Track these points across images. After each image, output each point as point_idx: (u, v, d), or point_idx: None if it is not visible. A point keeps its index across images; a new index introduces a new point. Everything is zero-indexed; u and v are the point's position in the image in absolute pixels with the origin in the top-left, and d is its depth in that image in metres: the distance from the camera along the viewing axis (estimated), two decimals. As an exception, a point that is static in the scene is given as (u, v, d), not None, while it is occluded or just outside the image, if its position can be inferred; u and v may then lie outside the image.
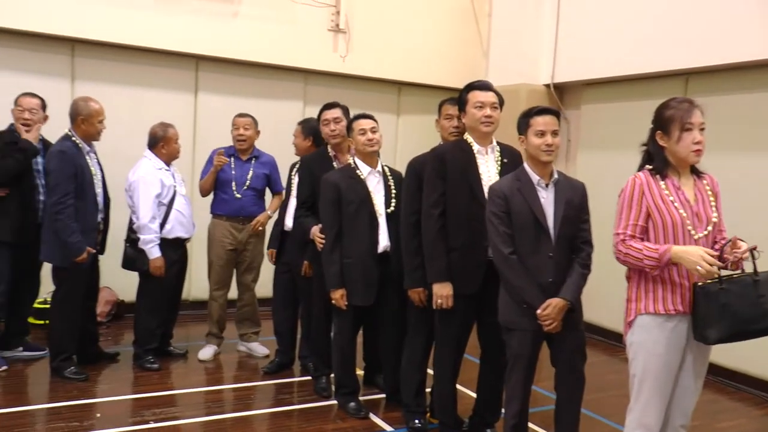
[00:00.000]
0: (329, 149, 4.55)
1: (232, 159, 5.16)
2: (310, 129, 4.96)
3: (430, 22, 7.35)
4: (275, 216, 5.24)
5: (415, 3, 7.26)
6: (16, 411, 4.05)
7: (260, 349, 5.37)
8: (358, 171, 4.12)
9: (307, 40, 6.73)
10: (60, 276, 4.57)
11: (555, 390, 3.40)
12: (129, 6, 5.89)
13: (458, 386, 3.92)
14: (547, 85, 6.84)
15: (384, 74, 7.19)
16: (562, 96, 6.92)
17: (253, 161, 5.22)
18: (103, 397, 4.37)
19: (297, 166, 4.93)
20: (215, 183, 5.14)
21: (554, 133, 3.23)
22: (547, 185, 3.27)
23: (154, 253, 4.75)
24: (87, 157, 4.58)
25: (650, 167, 2.91)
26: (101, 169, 4.75)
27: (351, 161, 4.19)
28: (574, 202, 3.26)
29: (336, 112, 4.49)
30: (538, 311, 3.17)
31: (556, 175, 3.31)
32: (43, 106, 4.80)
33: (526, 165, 3.32)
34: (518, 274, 3.21)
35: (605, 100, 6.37)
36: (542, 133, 3.21)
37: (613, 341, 6.08)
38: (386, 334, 4.28)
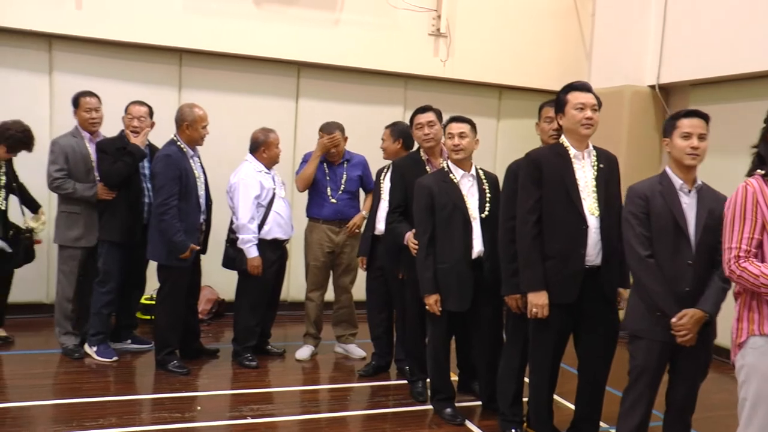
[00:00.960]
0: (421, 153, 4.53)
1: (325, 164, 5.23)
2: (399, 132, 4.96)
3: (531, 24, 7.20)
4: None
5: (516, 4, 7.13)
6: (125, 399, 4.30)
7: (357, 351, 5.42)
8: (451, 175, 4.08)
9: (408, 45, 6.75)
10: (164, 273, 4.79)
11: (666, 404, 3.24)
12: (234, 16, 6.12)
13: (555, 397, 3.79)
14: (652, 86, 6.53)
15: (484, 78, 7.11)
16: (667, 98, 6.59)
17: (345, 165, 5.27)
18: (204, 391, 4.55)
19: (387, 169, 4.94)
20: (311, 186, 5.22)
21: (701, 137, 3.09)
22: (689, 191, 3.14)
23: (252, 252, 4.89)
24: (191, 161, 4.79)
25: (762, 172, 2.69)
26: (204, 173, 4.96)
27: (444, 165, 4.16)
28: (716, 213, 3.06)
29: (430, 116, 4.47)
30: (673, 320, 3.02)
31: (699, 182, 3.17)
32: (151, 114, 5.06)
33: (668, 169, 3.19)
34: (654, 278, 3.08)
35: (714, 101, 6.00)
36: (688, 136, 3.08)
37: (723, 358, 5.70)
38: (481, 340, 4.21)
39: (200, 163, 4.94)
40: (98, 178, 4.92)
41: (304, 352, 5.34)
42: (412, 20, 6.76)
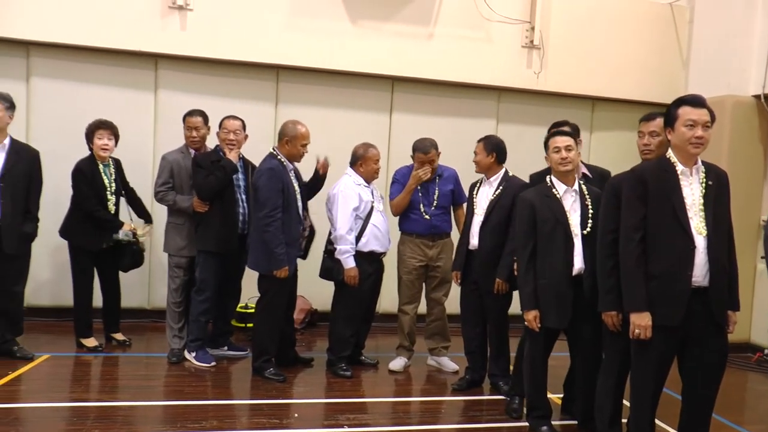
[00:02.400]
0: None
1: None
2: (492, 145, 4.92)
3: (626, 33, 7.03)
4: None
5: (610, 14, 6.98)
6: (223, 403, 4.45)
7: (450, 364, 5.40)
8: (554, 189, 4.02)
9: (501, 58, 6.72)
10: (266, 283, 4.93)
11: None
12: (330, 33, 6.29)
13: (657, 422, 3.66)
14: (757, 96, 6.23)
15: (578, 90, 6.99)
16: (775, 108, 6.28)
17: (437, 180, 5.29)
18: (299, 398, 4.64)
19: (479, 183, 4.94)
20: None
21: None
22: None
23: (348, 263, 4.98)
24: (290, 174, 4.92)
25: None
26: (301, 184, 5.08)
27: (547, 179, 4.11)
28: None
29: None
30: None
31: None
32: (244, 127, 5.23)
33: None
34: None
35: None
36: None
37: None
38: (579, 358, 4.11)
39: (298, 175, 5.07)
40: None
41: (397, 363, 5.37)
42: (506, 32, 6.73)
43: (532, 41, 6.77)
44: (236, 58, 6.17)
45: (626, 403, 3.74)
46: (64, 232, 5.33)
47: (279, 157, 4.92)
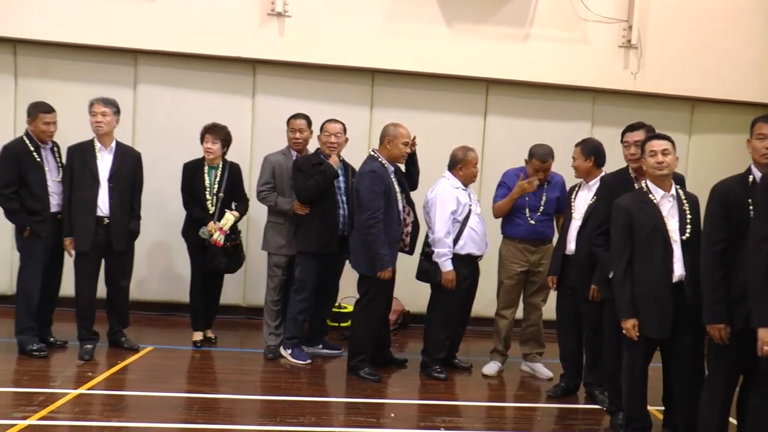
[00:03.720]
0: (630, 171, 4.37)
1: None
2: (590, 149, 4.81)
3: (728, 31, 6.71)
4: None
5: (712, 11, 6.69)
6: (320, 400, 4.52)
7: (544, 371, 5.31)
8: (650, 195, 3.88)
9: (597, 58, 6.57)
10: (367, 284, 4.98)
11: None
12: (425, 36, 6.31)
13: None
14: None
15: (677, 90, 6.73)
16: None
17: (545, 186, 5.22)
18: (395, 398, 4.66)
19: (578, 188, 4.86)
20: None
21: None
22: None
23: (446, 266, 4.97)
24: (391, 176, 4.96)
25: None
26: (401, 185, 5.09)
27: (643, 185, 3.97)
28: None
29: (640, 135, 4.29)
30: None
31: None
32: (345, 130, 5.31)
33: None
34: None
35: None
36: None
37: None
38: (681, 370, 3.94)
39: (399, 176, 5.10)
40: None
41: (491, 368, 5.32)
42: (602, 32, 6.57)
43: (629, 40, 6.58)
44: (332, 62, 6.28)
45: (732, 420, 3.57)
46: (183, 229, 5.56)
47: (380, 159, 4.97)
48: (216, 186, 5.39)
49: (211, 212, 5.36)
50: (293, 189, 5.22)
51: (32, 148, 5.03)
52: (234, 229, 5.39)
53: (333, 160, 5.12)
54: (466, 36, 6.36)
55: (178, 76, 6.35)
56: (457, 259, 5.01)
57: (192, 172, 5.39)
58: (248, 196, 5.67)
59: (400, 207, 5.01)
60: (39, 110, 5.05)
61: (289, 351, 5.30)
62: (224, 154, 5.44)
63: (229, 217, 5.28)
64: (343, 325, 5.92)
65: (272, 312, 5.42)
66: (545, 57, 6.47)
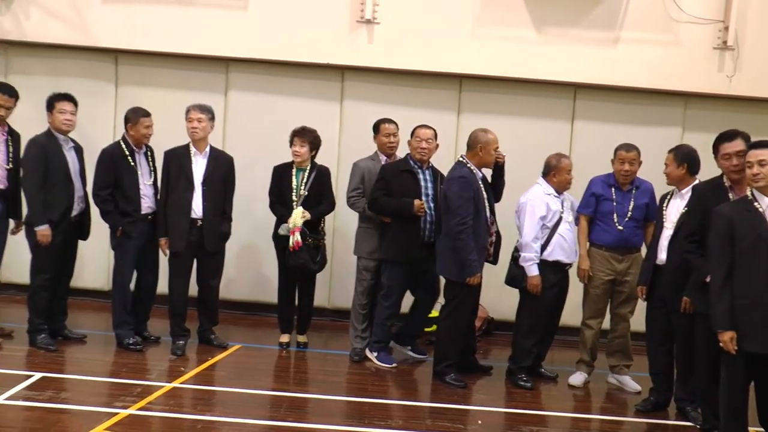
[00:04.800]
0: (724, 179, 4.22)
1: (613, 189, 5.10)
2: (683, 156, 4.67)
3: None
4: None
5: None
6: (406, 404, 4.56)
7: (631, 384, 5.17)
8: (755, 204, 3.73)
9: (690, 61, 6.33)
10: (453, 290, 4.98)
11: None
12: (514, 41, 6.26)
13: None
14: None
15: (775, 93, 6.43)
16: None
17: (633, 191, 5.10)
18: (480, 405, 4.65)
19: (670, 196, 4.73)
20: (597, 212, 5.14)
21: None
22: None
23: (532, 271, 4.93)
24: (479, 182, 4.95)
25: None
26: (488, 192, 5.07)
27: (748, 193, 3.82)
28: None
29: (739, 144, 4.12)
30: None
31: None
32: (435, 136, 5.32)
33: None
34: None
35: None
36: None
37: None
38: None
39: (486, 183, 5.08)
40: None
41: (577, 378, 5.23)
42: (696, 34, 6.33)
43: (725, 42, 6.31)
44: (421, 68, 6.31)
45: None
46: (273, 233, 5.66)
47: (468, 165, 4.97)
48: (302, 188, 5.47)
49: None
50: (370, 192, 5.28)
51: (127, 152, 5.28)
52: (316, 229, 5.45)
53: (417, 204, 5.12)
54: (554, 40, 6.28)
55: (267, 82, 6.53)
56: (544, 265, 4.96)
57: (280, 174, 5.52)
58: (335, 200, 5.71)
59: (488, 214, 5.00)
60: (139, 115, 5.30)
61: (375, 354, 5.35)
62: (313, 157, 5.53)
63: (297, 213, 5.30)
64: (427, 330, 5.92)
65: (360, 315, 5.50)
66: (635, 60, 6.30)
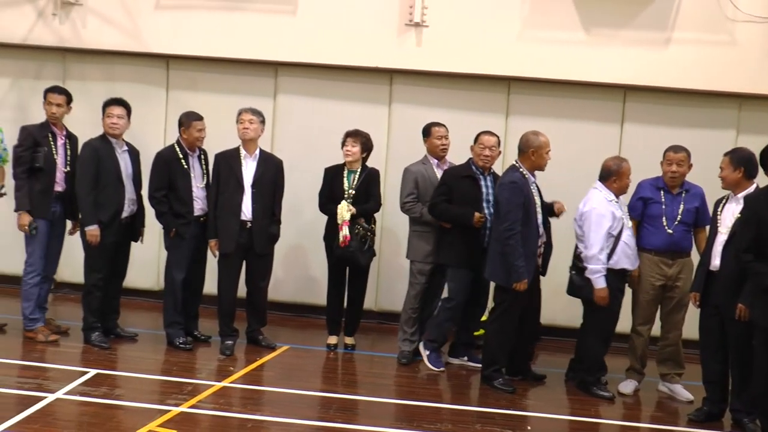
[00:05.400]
0: None
1: (662, 192, 5.01)
2: (739, 159, 4.55)
3: None
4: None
5: None
6: (455, 408, 4.56)
7: (683, 393, 5.06)
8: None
9: (745, 61, 6.15)
10: (502, 295, 4.95)
11: None
12: (563, 43, 6.19)
13: None
14: None
15: None
16: None
17: (683, 195, 5.01)
18: (533, 412, 4.61)
19: (725, 200, 4.64)
20: (645, 216, 5.05)
21: None
22: None
23: (599, 283, 4.80)
24: (532, 187, 4.91)
25: None
26: (541, 198, 5.05)
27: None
28: None
29: None
30: None
31: None
32: (498, 143, 5.32)
33: None
34: None
35: None
36: None
37: None
38: None
39: (537, 189, 5.04)
40: None
41: (627, 386, 5.13)
42: (752, 33, 6.14)
43: (786, 42, 6.15)
44: (469, 71, 6.29)
45: None
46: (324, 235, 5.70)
47: (521, 169, 4.94)
48: (353, 190, 5.49)
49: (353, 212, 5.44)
50: (431, 198, 5.27)
51: (181, 156, 5.39)
52: (366, 222, 5.47)
53: (477, 217, 5.09)
54: (604, 41, 6.19)
55: (316, 86, 6.59)
56: (610, 274, 4.84)
57: (332, 176, 5.56)
58: (381, 201, 5.71)
59: (540, 219, 4.95)
60: (192, 119, 5.41)
61: (428, 353, 5.34)
62: (364, 159, 5.55)
63: (342, 206, 5.32)
64: (476, 334, 5.88)
65: (410, 319, 5.49)
66: (688, 61, 6.16)
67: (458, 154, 5.50)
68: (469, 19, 6.23)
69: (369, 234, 5.47)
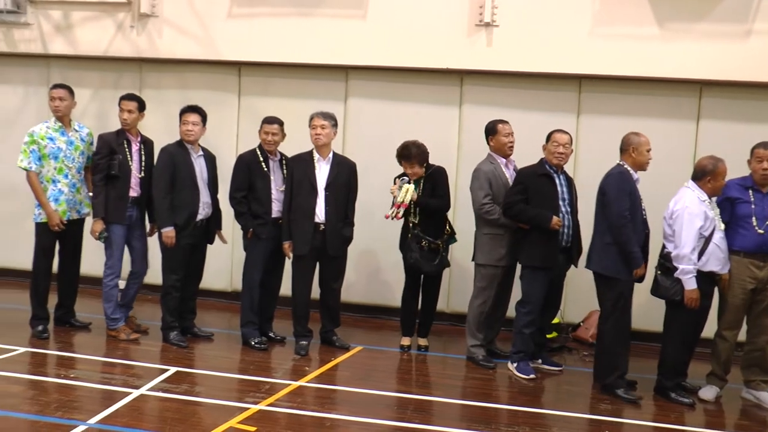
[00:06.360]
0: None
1: (751, 192, 4.84)
2: None
3: None
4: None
5: None
6: (529, 411, 4.47)
7: (770, 400, 4.87)
8: None
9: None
10: (614, 287, 4.78)
11: None
12: (635, 39, 6.05)
13: None
14: None
15: None
16: None
17: None
18: (609, 416, 4.49)
19: None
20: (733, 216, 4.87)
21: None
22: None
23: (690, 284, 4.64)
24: (635, 184, 4.83)
25: None
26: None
27: None
28: None
29: None
30: None
31: None
32: (571, 141, 5.22)
33: None
34: None
35: None
36: None
37: None
38: None
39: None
40: None
41: (709, 392, 4.96)
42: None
43: None
44: (540, 70, 6.22)
45: None
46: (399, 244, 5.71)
47: (625, 166, 4.86)
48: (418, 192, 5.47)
49: (414, 221, 5.47)
50: (506, 198, 5.21)
51: (262, 159, 5.52)
52: (438, 233, 5.43)
53: (555, 221, 5.01)
54: (678, 36, 6.02)
55: (386, 89, 6.64)
56: (700, 275, 4.67)
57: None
58: (449, 200, 5.64)
59: (644, 215, 4.85)
60: (263, 122, 5.57)
61: (515, 365, 5.23)
62: (427, 168, 5.51)
63: (406, 188, 5.32)
64: (548, 336, 5.79)
65: (480, 324, 5.43)
66: (768, 54, 5.94)
67: (531, 154, 5.41)
68: (540, 17, 6.17)
69: (433, 246, 5.42)
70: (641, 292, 5.15)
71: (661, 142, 5.67)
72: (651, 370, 5.08)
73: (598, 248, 4.86)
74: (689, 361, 5.01)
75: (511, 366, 5.25)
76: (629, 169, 4.84)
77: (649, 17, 6.05)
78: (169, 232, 5.37)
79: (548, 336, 5.79)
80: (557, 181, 5.17)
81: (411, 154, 5.42)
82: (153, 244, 5.77)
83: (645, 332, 5.96)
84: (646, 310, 5.58)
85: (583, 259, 5.18)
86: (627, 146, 4.87)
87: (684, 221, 4.65)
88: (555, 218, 5.02)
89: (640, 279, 4.87)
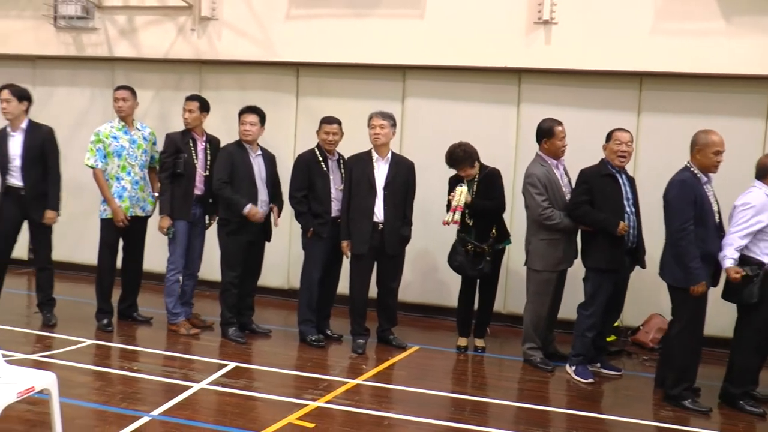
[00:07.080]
0: None
1: None
2: None
3: None
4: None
5: None
6: (586, 415, 4.39)
7: None
8: None
9: None
10: (680, 297, 4.62)
11: None
12: (698, 33, 5.86)
13: None
14: None
15: None
16: None
17: None
18: (671, 424, 4.36)
19: None
20: None
21: None
22: None
23: (726, 263, 4.52)
24: (705, 187, 4.63)
25: None
26: (716, 199, 4.73)
27: None
28: None
29: None
30: None
31: None
32: (632, 139, 5.07)
33: None
34: None
35: None
36: None
37: None
38: None
39: (712, 190, 4.72)
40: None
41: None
42: None
43: None
44: (600, 67, 6.09)
45: None
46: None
47: (692, 169, 4.66)
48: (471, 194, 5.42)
49: (469, 224, 5.44)
50: (571, 199, 5.12)
51: (321, 159, 5.58)
52: (484, 236, 5.38)
53: (622, 226, 4.89)
54: (746, 30, 5.78)
55: (444, 88, 6.61)
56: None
57: (453, 185, 5.51)
58: (504, 202, 5.59)
59: (717, 220, 4.65)
60: (322, 121, 5.64)
61: (574, 368, 5.14)
62: (480, 166, 5.48)
63: (460, 190, 5.30)
64: (608, 339, 5.66)
65: (537, 329, 5.35)
66: None
67: (591, 154, 5.29)
68: (599, 13, 6.04)
69: (479, 250, 5.36)
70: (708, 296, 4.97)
71: (726, 141, 5.47)
72: (713, 377, 4.93)
73: (668, 258, 4.69)
74: (761, 368, 4.81)
75: (570, 369, 5.17)
76: (696, 171, 4.64)
77: (714, 11, 5.84)
78: (250, 209, 5.45)
79: (608, 339, 5.66)
80: (620, 180, 5.04)
81: (458, 158, 5.39)
82: (211, 242, 5.88)
83: (709, 338, 5.75)
84: (712, 315, 5.39)
85: (652, 265, 5.02)
86: (692, 146, 4.67)
87: (740, 212, 4.54)
88: (622, 223, 4.90)
89: (714, 284, 4.69)
